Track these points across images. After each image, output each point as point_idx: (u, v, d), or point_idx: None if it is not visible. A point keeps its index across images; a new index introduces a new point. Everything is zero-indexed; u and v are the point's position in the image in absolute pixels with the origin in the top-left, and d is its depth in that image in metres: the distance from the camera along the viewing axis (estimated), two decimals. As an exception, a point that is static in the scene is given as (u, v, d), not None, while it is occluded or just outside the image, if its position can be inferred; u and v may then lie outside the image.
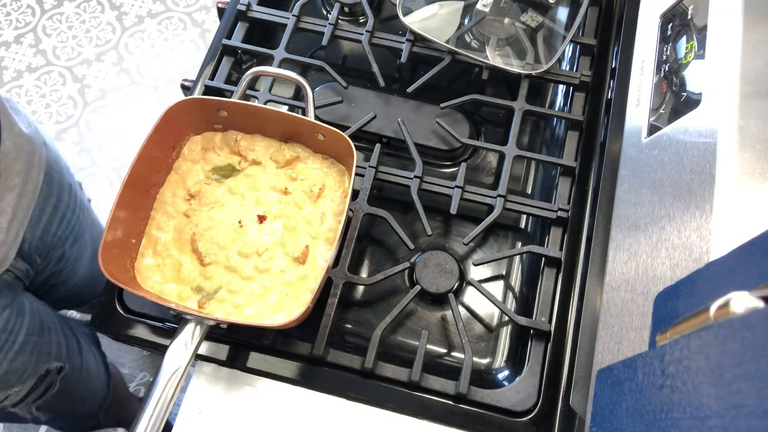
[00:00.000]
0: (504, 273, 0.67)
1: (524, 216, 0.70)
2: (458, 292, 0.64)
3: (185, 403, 0.59)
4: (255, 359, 0.58)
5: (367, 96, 0.73)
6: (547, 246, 0.63)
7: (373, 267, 0.66)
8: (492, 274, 0.67)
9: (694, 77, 0.50)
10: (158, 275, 0.57)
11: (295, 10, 0.74)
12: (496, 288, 0.66)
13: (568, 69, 0.75)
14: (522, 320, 0.59)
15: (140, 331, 0.60)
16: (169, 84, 1.73)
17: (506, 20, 0.73)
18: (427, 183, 0.65)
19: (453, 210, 0.63)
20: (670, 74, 0.53)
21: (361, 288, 0.66)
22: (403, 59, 0.71)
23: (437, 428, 0.56)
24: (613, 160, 0.60)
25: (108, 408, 1.05)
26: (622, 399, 0.35)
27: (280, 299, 0.55)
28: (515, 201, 0.64)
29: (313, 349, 0.57)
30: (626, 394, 0.34)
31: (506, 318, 0.63)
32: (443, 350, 0.63)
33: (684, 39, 0.53)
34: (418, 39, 0.72)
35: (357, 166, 0.59)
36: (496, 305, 0.60)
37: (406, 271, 0.65)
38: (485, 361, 0.63)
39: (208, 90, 0.71)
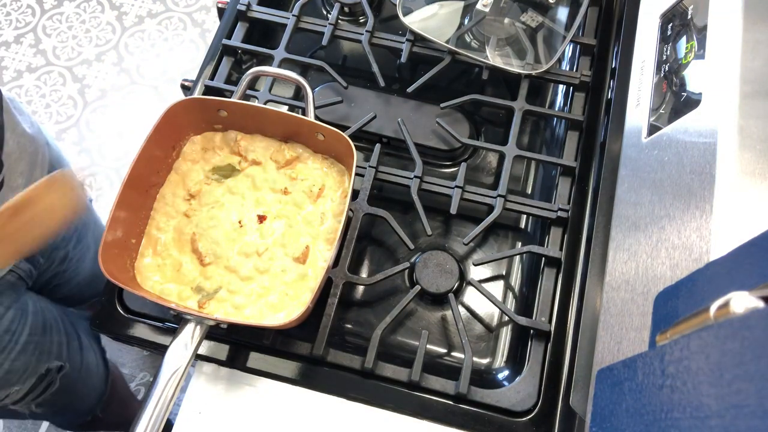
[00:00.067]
0: (504, 273, 0.67)
1: (524, 216, 0.70)
2: (458, 292, 0.64)
3: (185, 403, 0.59)
4: (255, 359, 0.58)
5: (367, 96, 0.73)
6: (547, 246, 0.63)
7: (373, 267, 0.66)
8: (492, 274, 0.67)
9: (694, 77, 0.50)
10: (158, 275, 0.57)
11: (295, 10, 0.74)
12: (496, 288, 0.66)
13: (568, 69, 0.75)
14: (522, 320, 0.59)
15: (140, 331, 0.60)
16: (169, 84, 1.73)
17: (506, 20, 0.73)
18: (427, 183, 0.65)
19: (453, 210, 0.63)
20: (670, 74, 0.53)
21: (361, 288, 0.66)
22: (403, 59, 0.71)
23: (437, 428, 0.56)
24: (613, 160, 0.60)
25: (108, 405, 1.05)
26: (622, 399, 0.35)
27: (280, 299, 0.55)
28: (515, 201, 0.64)
29: (313, 349, 0.57)
30: (626, 394, 0.34)
31: (506, 318, 0.63)
32: (443, 350, 0.63)
33: (684, 39, 0.53)
34: (418, 39, 0.72)
35: (357, 166, 0.59)
36: (496, 305, 0.60)
37: (406, 271, 0.65)
38: (485, 361, 0.63)
39: (208, 90, 0.71)
